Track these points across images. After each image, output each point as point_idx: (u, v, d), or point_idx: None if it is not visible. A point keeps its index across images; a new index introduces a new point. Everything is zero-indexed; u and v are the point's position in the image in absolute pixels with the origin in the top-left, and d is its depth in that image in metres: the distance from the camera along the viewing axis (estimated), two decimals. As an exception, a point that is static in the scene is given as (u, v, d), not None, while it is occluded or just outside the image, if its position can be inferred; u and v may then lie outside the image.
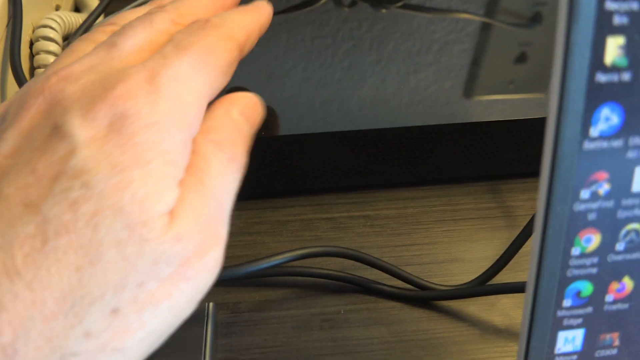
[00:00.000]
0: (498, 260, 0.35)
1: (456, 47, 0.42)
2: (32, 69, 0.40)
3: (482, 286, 0.35)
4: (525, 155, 0.40)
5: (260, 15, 0.27)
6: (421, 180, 0.40)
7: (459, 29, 0.44)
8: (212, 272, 0.21)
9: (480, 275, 0.35)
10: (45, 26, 0.38)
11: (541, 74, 0.42)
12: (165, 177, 0.20)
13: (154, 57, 0.22)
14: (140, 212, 0.19)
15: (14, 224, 0.19)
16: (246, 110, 0.24)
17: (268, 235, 0.38)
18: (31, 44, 0.40)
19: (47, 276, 0.18)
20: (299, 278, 0.36)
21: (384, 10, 0.44)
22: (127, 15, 0.26)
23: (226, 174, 0.22)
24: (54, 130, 0.20)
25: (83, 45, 0.24)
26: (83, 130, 0.20)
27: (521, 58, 0.43)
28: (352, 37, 0.43)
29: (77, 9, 0.48)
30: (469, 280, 0.36)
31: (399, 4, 0.45)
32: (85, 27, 0.40)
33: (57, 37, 0.38)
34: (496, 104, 0.39)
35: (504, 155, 0.40)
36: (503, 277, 0.36)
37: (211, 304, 0.32)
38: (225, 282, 0.35)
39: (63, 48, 0.38)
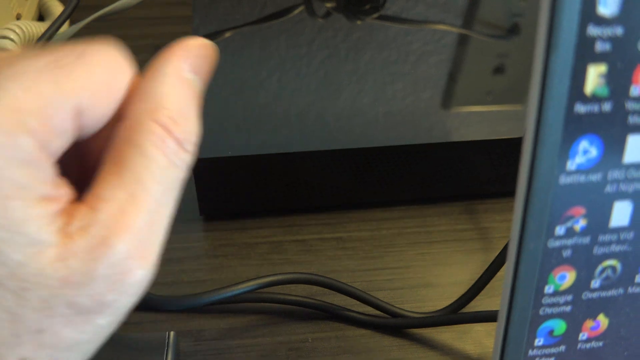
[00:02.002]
0: (472, 287, 0.34)
1: (433, 57, 0.41)
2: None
3: (455, 314, 0.34)
4: (501, 175, 0.39)
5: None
6: (395, 201, 0.39)
7: (436, 39, 0.43)
8: (133, 296, 0.18)
9: (453, 303, 0.34)
10: (3, 37, 0.37)
11: (519, 85, 0.41)
12: (11, 210, 0.16)
13: None
14: (3, 265, 0.16)
15: None
16: (197, 63, 0.20)
17: (235, 259, 0.36)
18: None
19: None
20: (266, 304, 0.34)
21: (359, 22, 0.43)
22: None
23: (173, 171, 0.18)
24: None
25: None
26: None
27: (499, 69, 0.42)
28: (328, 46, 0.42)
29: (41, 17, 0.46)
30: (443, 305, 0.35)
31: (375, 15, 0.44)
32: (47, 37, 0.38)
33: (16, 48, 0.36)
34: (474, 117, 0.38)
35: (480, 174, 0.39)
36: (478, 302, 0.35)
37: (172, 333, 0.31)
38: (188, 309, 0.33)
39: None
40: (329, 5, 0.44)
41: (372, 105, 0.38)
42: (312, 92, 0.38)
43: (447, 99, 0.40)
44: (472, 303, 0.34)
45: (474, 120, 0.38)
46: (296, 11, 0.44)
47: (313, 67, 0.40)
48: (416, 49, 0.42)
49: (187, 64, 0.20)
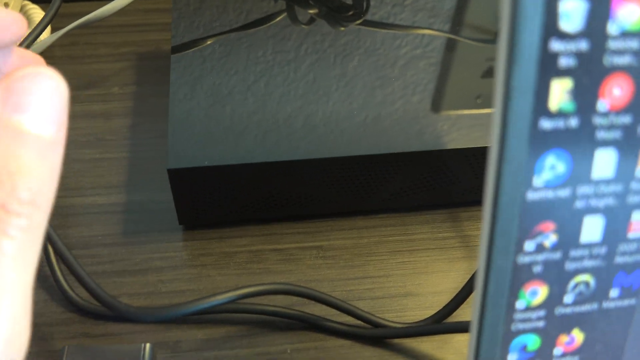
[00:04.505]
0: (455, 297, 0.33)
1: (422, 62, 0.41)
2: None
3: (436, 325, 0.33)
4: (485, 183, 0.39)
5: None
6: (376, 209, 0.39)
7: (424, 43, 0.43)
8: None
9: (436, 313, 0.34)
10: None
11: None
12: None
13: None
14: None
15: None
16: (24, 100, 0.16)
17: (214, 268, 0.36)
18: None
19: None
20: (244, 315, 0.34)
21: (342, 29, 0.43)
22: None
23: (3, 241, 0.15)
24: None
25: None
26: None
27: (488, 73, 0.42)
28: (316, 51, 0.41)
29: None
30: (424, 315, 0.34)
31: (358, 21, 0.43)
32: (26, 45, 0.38)
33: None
34: (463, 121, 0.38)
35: (463, 182, 0.38)
36: (459, 312, 0.34)
37: (147, 345, 0.31)
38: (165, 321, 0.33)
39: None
40: (311, 12, 0.44)
41: (361, 110, 0.38)
42: (298, 98, 0.38)
43: (437, 103, 0.39)
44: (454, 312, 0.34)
45: (464, 124, 0.38)
46: (279, 18, 0.43)
47: (301, 72, 0.40)
48: (404, 53, 0.42)
49: (8, 105, 0.15)
